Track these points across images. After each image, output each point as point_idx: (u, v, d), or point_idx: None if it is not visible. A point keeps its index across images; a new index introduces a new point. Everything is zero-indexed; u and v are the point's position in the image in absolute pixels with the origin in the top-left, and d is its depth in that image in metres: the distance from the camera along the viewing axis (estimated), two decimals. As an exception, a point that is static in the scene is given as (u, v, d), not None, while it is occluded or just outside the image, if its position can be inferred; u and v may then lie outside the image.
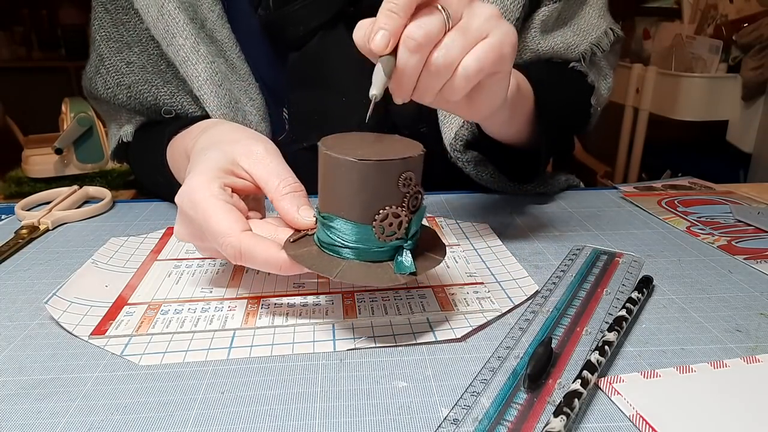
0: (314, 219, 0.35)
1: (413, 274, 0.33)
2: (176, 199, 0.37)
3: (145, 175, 0.63)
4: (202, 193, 0.35)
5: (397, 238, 0.33)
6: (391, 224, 0.32)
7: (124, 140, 0.61)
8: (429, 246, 0.36)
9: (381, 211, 0.32)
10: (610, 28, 0.62)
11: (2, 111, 2.11)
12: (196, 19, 0.56)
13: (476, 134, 0.56)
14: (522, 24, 0.57)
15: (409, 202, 0.32)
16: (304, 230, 0.35)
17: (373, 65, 0.36)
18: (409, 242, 0.33)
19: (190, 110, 0.58)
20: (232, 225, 0.34)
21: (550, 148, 0.55)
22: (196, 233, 0.37)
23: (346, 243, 0.33)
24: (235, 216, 0.35)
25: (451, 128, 0.57)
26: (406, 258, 0.33)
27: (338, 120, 0.58)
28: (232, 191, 0.37)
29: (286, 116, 0.61)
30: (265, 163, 0.38)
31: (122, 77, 0.58)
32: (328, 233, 0.33)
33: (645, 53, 2.03)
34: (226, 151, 0.38)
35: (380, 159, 0.31)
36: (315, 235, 0.35)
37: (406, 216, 0.32)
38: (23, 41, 3.29)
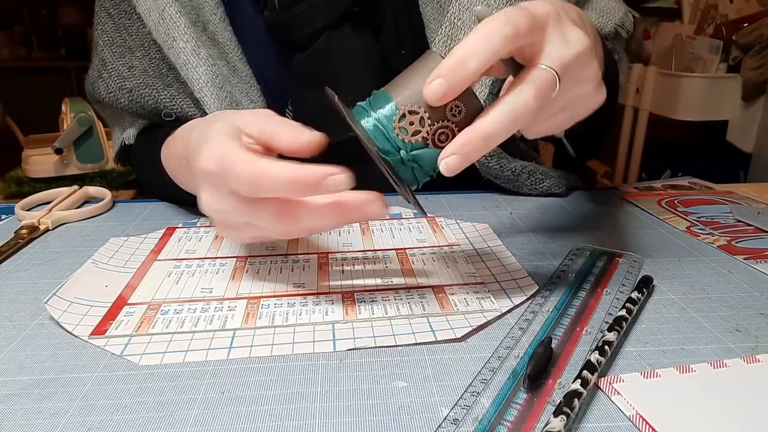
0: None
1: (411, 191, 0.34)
2: (199, 166, 0.36)
3: (144, 177, 0.63)
4: (226, 146, 0.34)
5: (407, 141, 0.33)
6: (412, 123, 0.32)
7: (126, 143, 0.61)
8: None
9: (413, 107, 0.32)
10: (629, 11, 0.61)
11: (2, 111, 2.11)
12: (198, 23, 0.56)
13: None
14: None
15: (436, 131, 0.33)
16: None
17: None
18: (411, 162, 0.34)
19: (190, 113, 0.58)
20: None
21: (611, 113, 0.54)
22: (226, 194, 0.35)
23: (372, 111, 0.33)
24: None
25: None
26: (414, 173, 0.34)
27: (344, 119, 0.58)
28: None
29: (290, 117, 0.62)
30: (269, 120, 0.37)
31: (124, 81, 0.58)
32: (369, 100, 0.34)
33: (645, 53, 2.03)
34: (227, 121, 0.37)
35: None
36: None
37: (429, 132, 0.33)
38: (23, 41, 3.29)
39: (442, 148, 0.33)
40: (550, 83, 0.33)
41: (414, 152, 0.33)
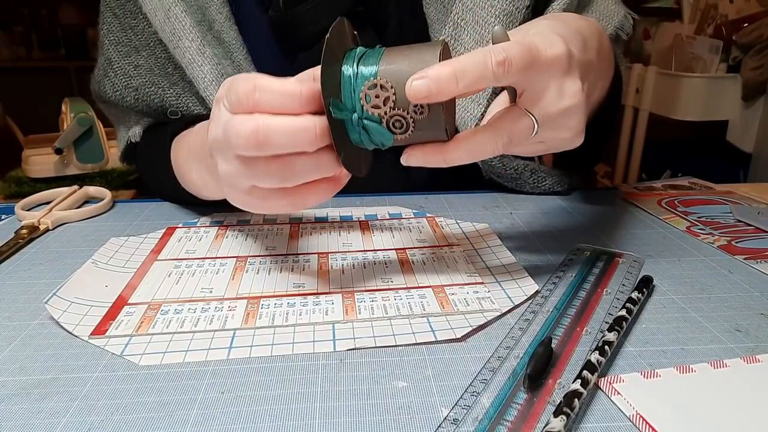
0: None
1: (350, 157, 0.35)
2: (216, 99, 0.37)
3: (148, 174, 0.64)
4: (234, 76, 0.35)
5: (365, 108, 0.33)
6: (377, 96, 0.33)
7: (132, 140, 0.61)
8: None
9: (386, 84, 0.33)
10: (629, 14, 0.61)
11: (2, 111, 2.11)
12: (203, 22, 0.57)
13: None
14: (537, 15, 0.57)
15: (394, 116, 0.33)
16: None
17: None
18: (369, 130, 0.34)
19: (196, 111, 0.58)
20: None
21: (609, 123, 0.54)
22: (232, 155, 0.36)
23: (357, 64, 0.34)
24: None
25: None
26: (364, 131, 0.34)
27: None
28: None
29: None
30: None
31: (130, 80, 0.58)
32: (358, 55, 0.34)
33: (645, 53, 2.03)
34: None
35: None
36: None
37: (387, 113, 0.33)
38: (23, 41, 3.29)
39: (393, 133, 0.34)
40: (526, 132, 0.34)
41: (366, 121, 0.34)
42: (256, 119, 0.33)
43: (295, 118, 0.33)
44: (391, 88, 0.33)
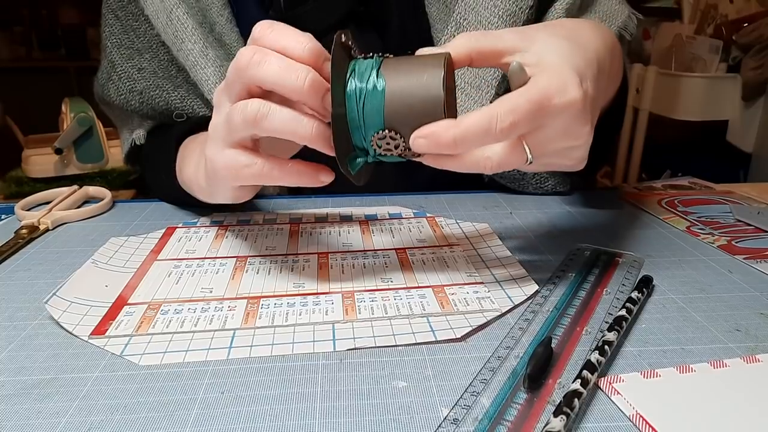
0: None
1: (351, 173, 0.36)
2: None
3: (150, 175, 0.64)
4: None
5: (378, 152, 0.35)
6: (388, 143, 0.34)
7: (137, 143, 0.61)
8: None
9: (394, 134, 0.34)
10: (633, 14, 0.61)
11: (2, 111, 2.11)
12: (204, 24, 0.57)
13: None
14: (540, 17, 0.57)
15: (406, 149, 0.35)
16: None
17: None
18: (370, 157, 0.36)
19: (201, 113, 0.59)
20: None
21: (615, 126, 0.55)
22: (226, 102, 0.37)
23: (360, 89, 0.34)
24: None
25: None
26: (359, 161, 0.36)
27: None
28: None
29: None
30: None
31: (134, 83, 0.59)
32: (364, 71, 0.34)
33: (645, 53, 2.03)
34: None
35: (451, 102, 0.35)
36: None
37: (399, 149, 0.35)
38: (23, 41, 3.29)
39: (406, 158, 0.36)
40: (518, 163, 0.34)
41: (380, 157, 0.36)
42: (260, 102, 0.35)
43: (296, 114, 0.34)
44: (400, 137, 0.34)
